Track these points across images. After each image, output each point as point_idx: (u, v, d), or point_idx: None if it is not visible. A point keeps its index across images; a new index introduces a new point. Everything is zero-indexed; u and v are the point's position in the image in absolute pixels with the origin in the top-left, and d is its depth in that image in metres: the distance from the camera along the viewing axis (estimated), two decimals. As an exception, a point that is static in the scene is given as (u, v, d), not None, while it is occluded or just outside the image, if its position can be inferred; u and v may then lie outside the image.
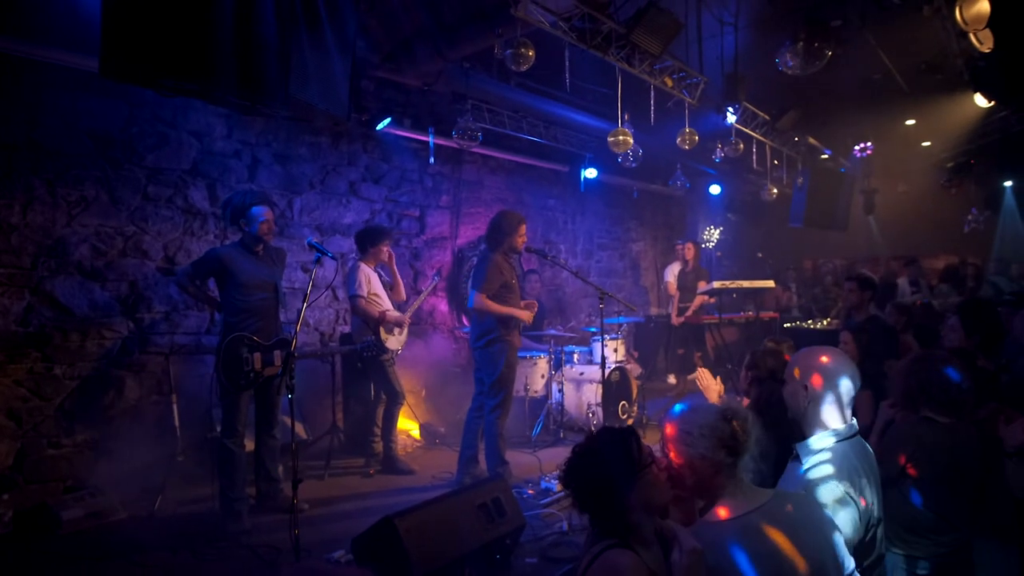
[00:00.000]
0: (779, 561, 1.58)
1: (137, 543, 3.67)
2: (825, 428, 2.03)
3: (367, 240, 5.10)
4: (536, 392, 6.26)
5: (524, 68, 4.26)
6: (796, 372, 2.12)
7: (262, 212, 4.06)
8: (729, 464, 1.68)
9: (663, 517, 1.80)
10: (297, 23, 3.35)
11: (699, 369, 3.03)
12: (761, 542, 1.60)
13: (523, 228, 4.67)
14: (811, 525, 1.69)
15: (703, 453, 1.66)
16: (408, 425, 5.90)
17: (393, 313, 5.06)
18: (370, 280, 5.00)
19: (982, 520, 2.45)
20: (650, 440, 1.79)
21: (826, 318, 8.80)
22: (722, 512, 1.68)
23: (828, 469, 1.93)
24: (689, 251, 8.48)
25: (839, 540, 1.72)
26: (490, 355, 4.56)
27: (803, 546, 1.61)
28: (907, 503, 2.28)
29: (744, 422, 1.72)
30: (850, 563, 1.73)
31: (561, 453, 1.87)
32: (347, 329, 6.03)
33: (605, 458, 1.71)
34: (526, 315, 4.67)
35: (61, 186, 4.34)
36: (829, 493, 1.88)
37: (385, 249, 5.12)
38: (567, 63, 4.59)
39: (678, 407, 1.80)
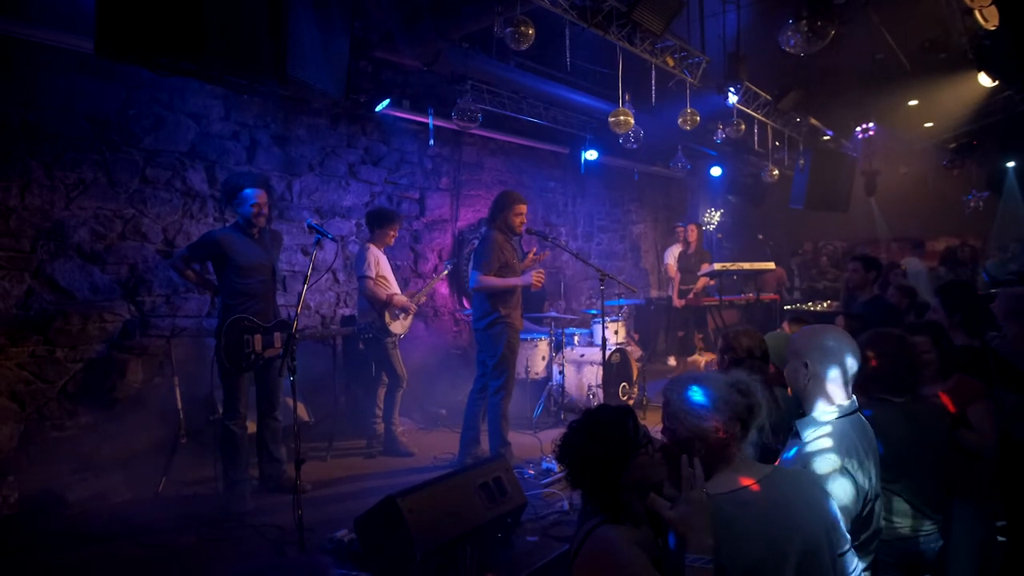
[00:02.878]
0: (771, 537, 1.57)
1: (141, 523, 3.70)
2: (824, 405, 2.04)
3: (375, 222, 5.14)
4: (537, 374, 6.28)
5: (524, 47, 4.21)
6: (796, 351, 2.12)
7: (253, 194, 4.04)
8: (740, 437, 1.66)
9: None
10: (293, 2, 3.30)
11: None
12: (753, 517, 1.59)
13: (521, 207, 4.65)
14: (808, 502, 1.67)
15: (718, 426, 1.64)
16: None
17: (401, 298, 5.06)
18: (379, 262, 5.02)
19: (957, 488, 2.53)
20: (651, 421, 1.78)
21: (825, 300, 8.78)
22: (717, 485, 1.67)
23: (827, 443, 1.94)
24: (692, 233, 8.47)
25: (837, 519, 1.71)
26: (491, 336, 4.56)
27: (798, 523, 1.60)
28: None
29: (758, 396, 1.71)
30: (846, 543, 1.72)
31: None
32: (348, 311, 6.04)
33: (601, 436, 1.71)
34: (529, 279, 4.56)
35: (59, 169, 4.31)
36: (826, 465, 1.89)
37: (392, 234, 5.15)
38: (567, 42, 4.53)
39: (689, 380, 1.77)
